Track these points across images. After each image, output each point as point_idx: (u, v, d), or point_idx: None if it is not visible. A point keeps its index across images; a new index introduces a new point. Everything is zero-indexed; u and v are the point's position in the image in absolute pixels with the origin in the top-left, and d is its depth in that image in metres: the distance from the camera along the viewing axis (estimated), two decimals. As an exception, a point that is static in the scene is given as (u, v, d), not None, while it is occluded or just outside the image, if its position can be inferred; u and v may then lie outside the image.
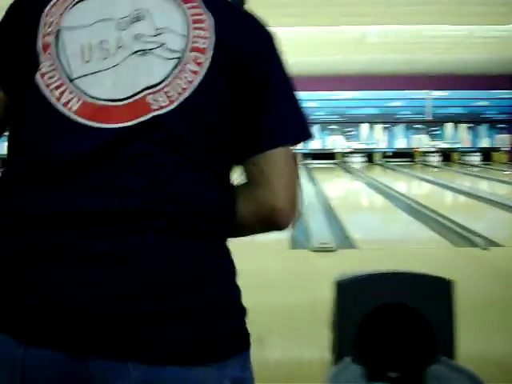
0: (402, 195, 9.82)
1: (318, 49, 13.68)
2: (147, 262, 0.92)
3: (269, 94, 1.05)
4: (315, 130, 18.20)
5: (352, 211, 8.58)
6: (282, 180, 1.05)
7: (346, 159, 18.48)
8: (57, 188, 0.95)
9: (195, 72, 0.99)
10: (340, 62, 15.75)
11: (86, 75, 0.98)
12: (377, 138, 18.37)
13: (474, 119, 18.08)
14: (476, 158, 18.11)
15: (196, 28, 1.01)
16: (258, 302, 3.83)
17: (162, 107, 0.97)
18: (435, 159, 18.31)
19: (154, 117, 0.96)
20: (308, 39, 12.70)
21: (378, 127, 18.32)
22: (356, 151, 18.51)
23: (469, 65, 16.02)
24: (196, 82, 0.99)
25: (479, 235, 5.84)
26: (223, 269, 1.04)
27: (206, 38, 1.00)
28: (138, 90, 0.97)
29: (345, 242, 5.84)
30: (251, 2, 1.55)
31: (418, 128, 18.28)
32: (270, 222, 1.08)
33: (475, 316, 3.20)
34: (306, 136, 1.12)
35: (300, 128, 1.11)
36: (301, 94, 1.09)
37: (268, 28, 1.10)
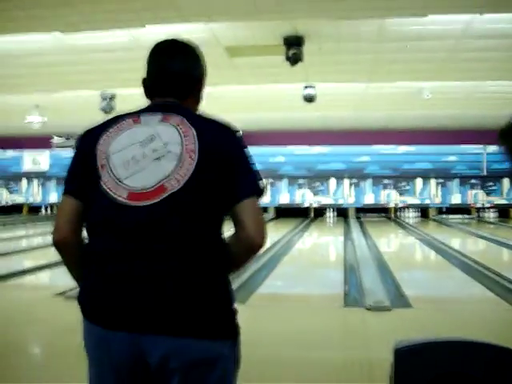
0: (457, 252, 9.64)
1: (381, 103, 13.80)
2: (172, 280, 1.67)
3: (237, 170, 1.76)
4: (368, 184, 18.16)
5: (406, 267, 8.46)
6: (252, 220, 1.73)
7: (400, 214, 18.31)
8: (121, 239, 1.72)
9: (190, 163, 1.71)
10: (398, 117, 15.83)
11: (127, 177, 1.73)
12: (432, 193, 18.17)
13: (531, 175, 17.75)
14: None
15: (187, 139, 1.75)
16: (311, 359, 3.81)
17: (173, 187, 1.69)
18: (492, 215, 17.96)
19: (170, 194, 1.69)
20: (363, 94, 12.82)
21: (433, 182, 18.14)
22: (410, 206, 18.34)
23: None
24: (191, 170, 1.70)
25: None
26: (219, 288, 1.74)
27: (193, 143, 1.73)
28: (159, 180, 1.71)
29: (399, 299, 5.74)
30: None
31: (473, 183, 18.02)
32: (249, 250, 1.77)
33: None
34: (261, 192, 1.79)
35: (260, 185, 1.79)
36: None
37: (232, 127, 1.83)
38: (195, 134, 1.75)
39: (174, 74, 1.90)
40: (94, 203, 1.78)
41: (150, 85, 1.93)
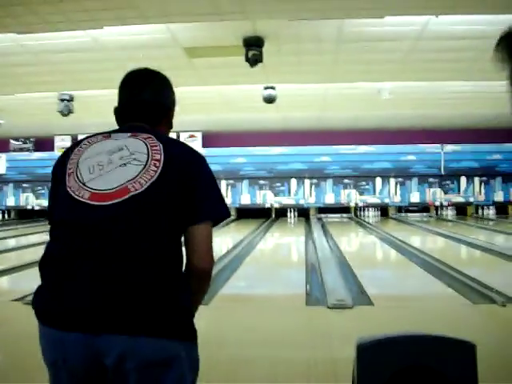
0: (417, 249, 9.79)
1: (343, 104, 13.93)
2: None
3: (200, 190, 1.83)
4: (329, 184, 18.29)
5: (367, 266, 8.55)
6: (202, 247, 1.82)
7: (360, 213, 18.52)
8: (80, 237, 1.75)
9: (155, 171, 1.79)
10: (358, 118, 16.01)
11: (90, 180, 1.80)
12: (391, 192, 18.41)
13: (487, 173, 18.14)
14: (491, 212, 18.09)
15: (153, 150, 1.84)
16: (276, 358, 3.82)
17: (136, 189, 1.76)
18: (450, 213, 18.30)
19: (131, 196, 1.75)
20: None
21: (393, 181, 18.38)
22: (370, 205, 18.57)
23: (478, 119, 16.18)
24: (155, 176, 1.78)
25: (496, 291, 5.79)
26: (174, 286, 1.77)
27: (159, 154, 1.83)
28: (122, 183, 1.77)
29: (361, 297, 5.80)
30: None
31: (432, 182, 18.32)
32: (198, 276, 1.83)
33: (495, 376, 3.16)
34: (224, 216, 1.89)
35: (218, 211, 1.88)
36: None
37: (194, 149, 1.92)
38: (162, 147, 1.85)
39: (146, 103, 1.99)
40: (55, 206, 1.87)
41: (122, 112, 2.02)
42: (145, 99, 1.98)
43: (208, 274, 1.86)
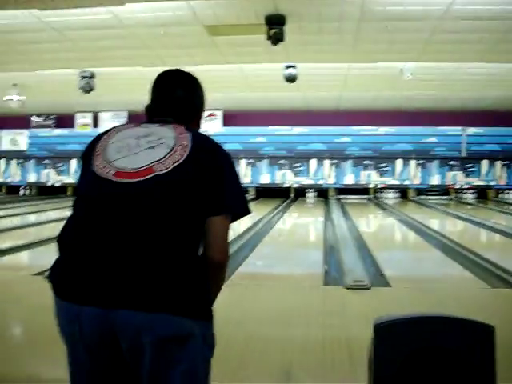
0: (436, 232, 9.74)
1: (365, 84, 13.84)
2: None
3: (224, 183, 1.85)
4: (349, 165, 18.21)
5: (385, 247, 8.53)
6: (219, 240, 1.84)
7: (380, 194, 18.45)
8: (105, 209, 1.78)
9: (181, 155, 1.82)
10: (380, 98, 15.89)
11: (117, 159, 1.85)
12: (411, 174, 18.30)
13: (510, 156, 17.94)
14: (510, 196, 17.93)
15: (181, 137, 1.88)
16: (291, 337, 3.84)
17: (161, 170, 1.79)
18: (470, 196, 18.16)
19: (155, 175, 1.78)
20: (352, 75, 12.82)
21: (413, 163, 18.25)
22: (390, 187, 18.48)
23: (501, 101, 15.98)
24: (181, 160, 1.81)
25: (515, 275, 5.76)
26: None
27: (187, 141, 1.87)
28: (148, 163, 1.81)
29: (378, 279, 5.80)
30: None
31: (452, 165, 18.17)
32: (214, 266, 1.83)
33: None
34: (243, 212, 1.93)
35: (239, 206, 1.91)
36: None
37: (222, 146, 1.95)
38: (190, 136, 1.89)
39: (179, 100, 2.05)
40: (82, 181, 1.94)
41: (154, 109, 2.06)
42: (178, 96, 2.04)
43: (221, 267, 1.88)
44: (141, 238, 1.70)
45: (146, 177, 1.78)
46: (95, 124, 18.72)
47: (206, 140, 1.93)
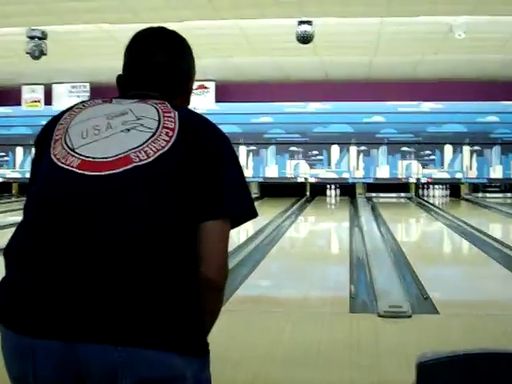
0: (498, 241, 9.74)
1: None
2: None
3: (218, 177, 1.82)
4: (382, 152, 18.20)
5: (431, 262, 8.54)
6: (215, 252, 1.80)
7: (424, 192, 18.45)
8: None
9: (166, 141, 1.79)
10: (422, 65, 15.88)
11: (82, 146, 1.80)
12: (465, 164, 18.26)
13: None
14: None
15: (166, 117, 1.84)
16: (308, 381, 3.85)
17: (141, 160, 1.75)
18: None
19: (134, 167, 1.74)
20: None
21: (467, 150, 18.21)
22: (437, 181, 18.46)
23: None
24: (166, 148, 1.78)
25: None
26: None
27: (173, 123, 1.83)
28: (124, 151, 1.77)
29: (422, 304, 5.81)
30: None
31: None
32: (207, 288, 1.79)
33: None
34: (248, 215, 1.90)
35: (241, 206, 1.88)
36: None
37: (217, 126, 1.92)
38: (177, 116, 1.86)
39: (160, 66, 2.01)
40: (35, 176, 1.89)
41: (129, 79, 2.02)
42: (160, 62, 2.01)
43: (218, 288, 1.85)
44: (113, 251, 1.67)
45: (122, 169, 1.73)
46: (48, 100, 18.68)
47: (198, 120, 1.91)
